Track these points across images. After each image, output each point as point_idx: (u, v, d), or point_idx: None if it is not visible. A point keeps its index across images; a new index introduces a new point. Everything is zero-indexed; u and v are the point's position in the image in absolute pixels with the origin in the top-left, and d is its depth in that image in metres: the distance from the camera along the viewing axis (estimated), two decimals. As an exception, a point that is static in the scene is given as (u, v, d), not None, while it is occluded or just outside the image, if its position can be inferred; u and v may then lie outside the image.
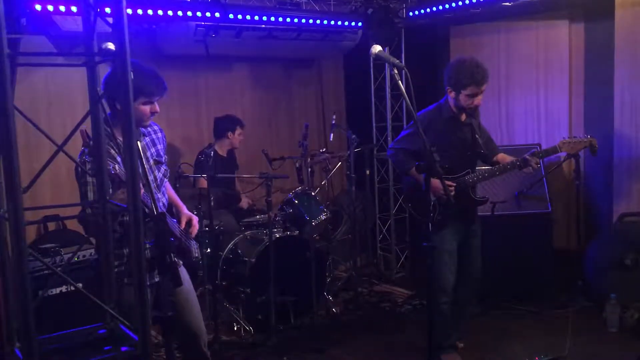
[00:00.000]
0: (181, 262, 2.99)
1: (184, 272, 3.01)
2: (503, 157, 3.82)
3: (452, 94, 3.59)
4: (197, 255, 3.08)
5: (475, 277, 3.94)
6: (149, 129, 2.90)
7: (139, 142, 2.69)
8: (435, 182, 3.38)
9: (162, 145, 2.97)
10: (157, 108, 2.74)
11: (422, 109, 3.78)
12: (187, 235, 3.00)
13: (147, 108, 2.70)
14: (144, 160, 2.70)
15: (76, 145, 3.05)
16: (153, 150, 2.89)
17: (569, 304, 4.73)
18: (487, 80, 3.53)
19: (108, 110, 2.57)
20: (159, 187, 2.85)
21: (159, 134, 2.98)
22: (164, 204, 2.89)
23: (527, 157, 3.61)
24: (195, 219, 3.04)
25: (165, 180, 2.97)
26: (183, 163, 4.93)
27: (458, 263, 3.83)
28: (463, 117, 3.71)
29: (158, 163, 2.88)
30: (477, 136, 3.73)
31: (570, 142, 3.64)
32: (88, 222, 2.62)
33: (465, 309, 4.01)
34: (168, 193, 3.07)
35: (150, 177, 2.79)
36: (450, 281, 3.78)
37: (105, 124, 2.38)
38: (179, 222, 3.00)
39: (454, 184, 3.62)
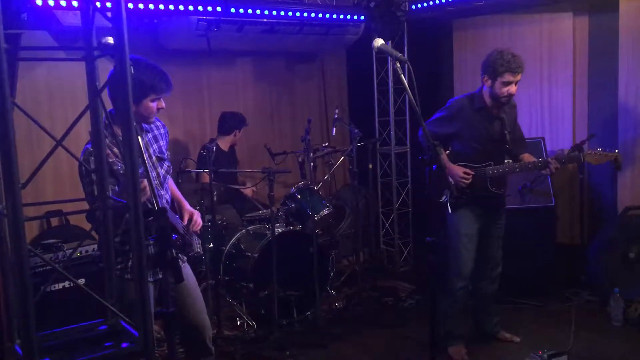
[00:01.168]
0: (185, 258, 2.99)
1: (187, 268, 3.01)
2: (529, 157, 3.84)
3: (489, 82, 3.65)
4: (198, 250, 3.08)
5: (494, 269, 3.96)
6: (152, 125, 2.90)
7: (140, 139, 2.69)
8: (456, 168, 3.65)
9: (164, 141, 2.96)
10: (164, 104, 2.75)
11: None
12: (189, 231, 3.00)
13: (154, 105, 2.71)
14: (146, 156, 2.70)
15: (77, 140, 3.05)
16: (155, 146, 2.87)
17: (572, 298, 4.73)
18: (522, 71, 3.60)
19: (110, 107, 2.57)
20: (161, 183, 2.84)
21: (162, 130, 2.96)
22: (167, 200, 2.88)
23: (549, 159, 3.67)
24: (197, 215, 3.04)
25: (168, 176, 2.95)
26: (186, 158, 4.92)
27: (479, 254, 3.86)
28: (495, 110, 3.74)
29: (161, 160, 2.87)
30: (505, 131, 3.75)
31: (595, 153, 3.66)
32: (96, 220, 2.60)
33: (489, 305, 4.04)
34: (171, 189, 3.07)
35: (153, 174, 2.78)
36: (469, 265, 3.81)
37: (106, 121, 2.40)
38: (181, 218, 3.00)
39: (472, 173, 3.67)
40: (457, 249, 3.78)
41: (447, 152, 3.76)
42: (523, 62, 3.60)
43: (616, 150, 3.64)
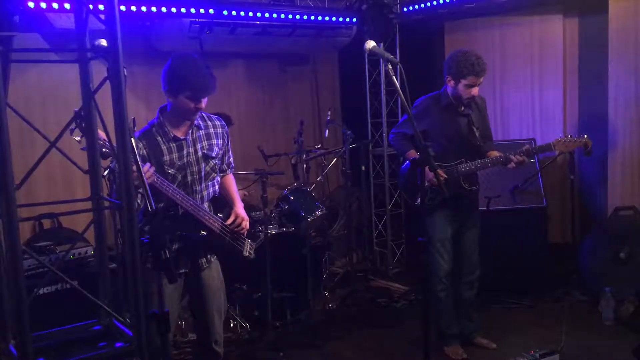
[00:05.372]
0: (213, 258, 3.03)
1: (215, 269, 3.05)
2: (496, 154, 3.83)
3: (452, 83, 3.67)
4: (247, 255, 3.10)
5: (471, 274, 3.96)
6: (208, 122, 3.00)
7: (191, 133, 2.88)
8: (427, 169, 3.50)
9: (220, 140, 3.03)
10: (203, 105, 2.82)
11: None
12: (233, 233, 3.02)
13: (190, 103, 2.77)
14: (191, 150, 2.85)
15: (70, 142, 3.05)
16: (205, 143, 2.95)
17: (564, 297, 4.76)
18: (485, 73, 3.63)
19: (103, 109, 2.58)
20: (201, 179, 2.92)
21: (219, 129, 3.04)
22: (202, 196, 2.94)
23: (509, 155, 3.67)
24: (240, 219, 3.05)
25: (215, 174, 3.01)
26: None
27: (455, 256, 3.88)
28: (461, 107, 3.75)
29: (207, 157, 2.94)
30: (474, 128, 3.76)
31: (564, 140, 3.67)
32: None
33: (465, 306, 4.02)
34: (228, 188, 3.15)
35: (195, 169, 2.88)
36: (444, 269, 3.85)
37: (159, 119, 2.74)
38: (227, 217, 3.02)
39: (443, 174, 3.67)
40: (431, 253, 3.81)
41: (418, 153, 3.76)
42: (486, 64, 3.63)
43: (585, 136, 3.65)
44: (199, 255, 2.95)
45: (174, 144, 2.84)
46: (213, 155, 2.98)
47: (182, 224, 2.80)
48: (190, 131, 2.89)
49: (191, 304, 3.14)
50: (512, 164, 3.67)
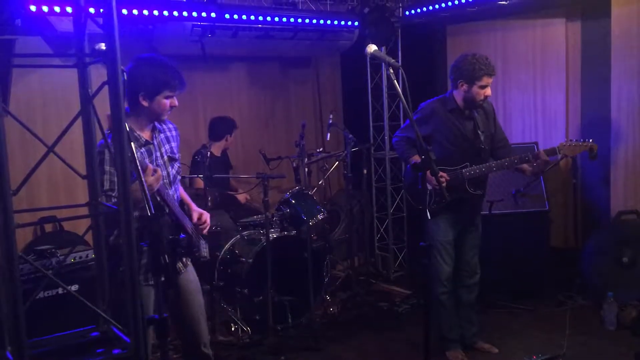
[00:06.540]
0: (189, 262, 3.01)
1: (190, 273, 3.03)
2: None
3: (464, 87, 3.66)
4: (205, 255, 3.09)
5: (471, 277, 3.95)
6: (164, 126, 2.94)
7: (154, 138, 2.83)
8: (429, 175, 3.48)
9: (176, 142, 3.00)
10: (176, 102, 2.79)
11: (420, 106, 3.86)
12: (197, 234, 3.02)
13: (167, 102, 2.75)
14: (157, 155, 2.80)
15: (71, 147, 3.05)
16: (167, 147, 2.92)
17: (566, 302, 4.74)
18: (495, 72, 3.67)
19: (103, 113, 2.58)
20: (171, 183, 2.88)
21: (174, 132, 3.01)
22: (175, 199, 2.92)
23: (515, 160, 3.67)
24: (206, 215, 3.06)
25: (178, 176, 2.99)
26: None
27: (455, 259, 3.87)
28: (467, 111, 3.75)
29: (172, 160, 2.92)
30: (479, 131, 3.75)
31: (570, 145, 3.65)
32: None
33: (465, 309, 4.01)
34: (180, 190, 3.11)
35: (164, 173, 2.82)
36: (446, 271, 3.85)
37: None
38: (190, 218, 3.01)
39: (447, 177, 3.66)
40: (433, 255, 3.81)
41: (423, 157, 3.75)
42: (493, 63, 3.66)
43: (590, 140, 3.65)
44: (176, 259, 2.90)
45: (145, 149, 2.78)
46: (176, 157, 2.95)
47: (167, 228, 2.79)
48: (154, 135, 2.84)
49: (172, 311, 3.09)
50: (540, 161, 3.64)
